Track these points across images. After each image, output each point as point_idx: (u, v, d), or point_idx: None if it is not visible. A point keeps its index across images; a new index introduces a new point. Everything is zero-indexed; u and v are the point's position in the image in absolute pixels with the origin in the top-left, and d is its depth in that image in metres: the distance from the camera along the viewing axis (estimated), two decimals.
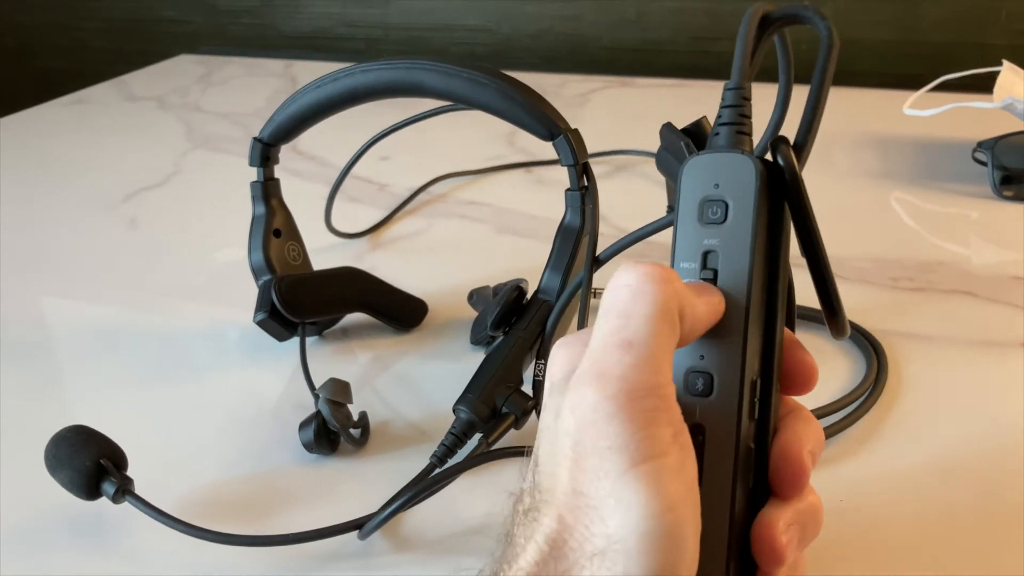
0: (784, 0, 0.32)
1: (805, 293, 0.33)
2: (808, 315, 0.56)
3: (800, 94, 0.37)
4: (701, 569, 0.26)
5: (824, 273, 0.30)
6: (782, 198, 0.30)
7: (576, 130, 0.50)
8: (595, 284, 0.41)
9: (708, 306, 0.28)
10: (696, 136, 0.35)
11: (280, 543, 0.41)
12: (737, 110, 0.31)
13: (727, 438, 0.29)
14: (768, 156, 0.30)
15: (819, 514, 0.31)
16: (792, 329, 0.31)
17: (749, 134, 0.31)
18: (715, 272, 0.29)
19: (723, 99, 0.31)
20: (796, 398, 0.32)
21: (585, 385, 0.25)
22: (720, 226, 0.29)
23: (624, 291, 0.27)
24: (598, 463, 0.25)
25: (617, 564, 0.24)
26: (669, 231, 0.36)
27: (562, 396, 0.27)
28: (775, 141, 0.30)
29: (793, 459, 0.29)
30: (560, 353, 0.29)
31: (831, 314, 0.31)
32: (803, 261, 0.31)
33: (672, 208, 0.38)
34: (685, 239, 0.30)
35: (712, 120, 0.35)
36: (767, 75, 0.34)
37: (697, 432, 0.29)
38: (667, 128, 0.36)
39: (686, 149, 0.34)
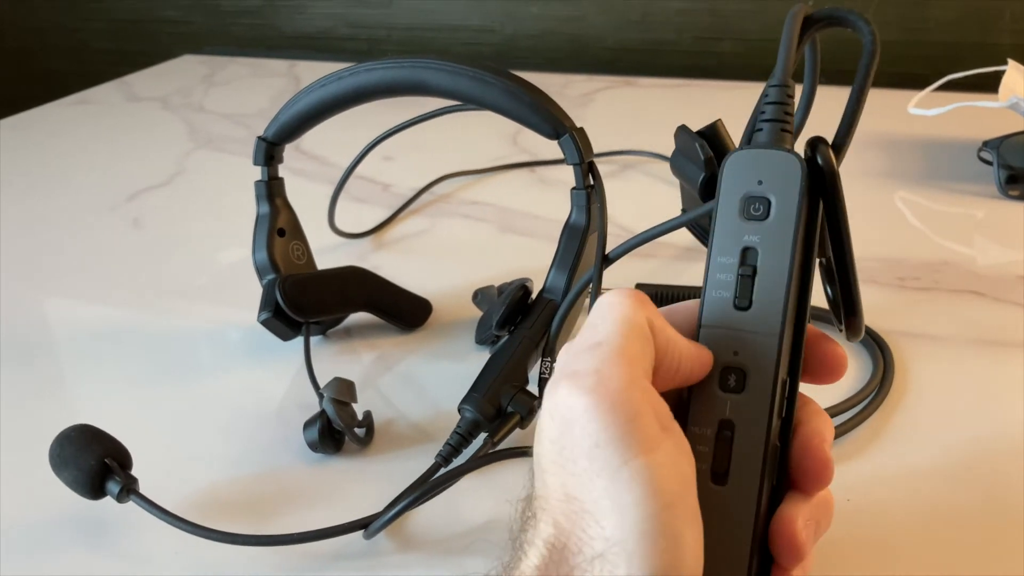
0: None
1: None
2: (813, 314, 0.56)
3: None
4: (722, 565, 0.26)
5: (850, 273, 0.31)
6: (817, 197, 0.30)
7: (581, 128, 0.50)
8: (604, 282, 0.41)
9: (695, 347, 0.29)
10: (711, 139, 0.35)
11: (284, 543, 0.41)
12: (782, 107, 0.31)
13: (758, 436, 0.29)
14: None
15: (831, 508, 0.31)
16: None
17: (791, 132, 0.31)
18: (754, 269, 0.29)
19: (766, 95, 0.31)
20: (804, 391, 0.32)
21: (559, 387, 0.26)
22: (762, 223, 0.30)
23: (596, 310, 0.28)
24: (587, 464, 0.24)
25: (619, 567, 0.23)
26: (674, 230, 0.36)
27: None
28: (814, 140, 0.30)
29: (818, 455, 0.29)
30: (562, 357, 0.29)
31: (851, 314, 0.31)
32: None
33: (685, 211, 0.38)
34: (724, 233, 0.30)
35: (707, 116, 0.35)
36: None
37: (725, 427, 0.29)
38: (682, 130, 0.36)
39: (700, 151, 0.34)
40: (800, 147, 0.31)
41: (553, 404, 0.26)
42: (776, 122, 0.31)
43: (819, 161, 0.30)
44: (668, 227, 0.35)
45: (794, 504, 0.29)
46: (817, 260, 0.31)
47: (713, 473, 0.29)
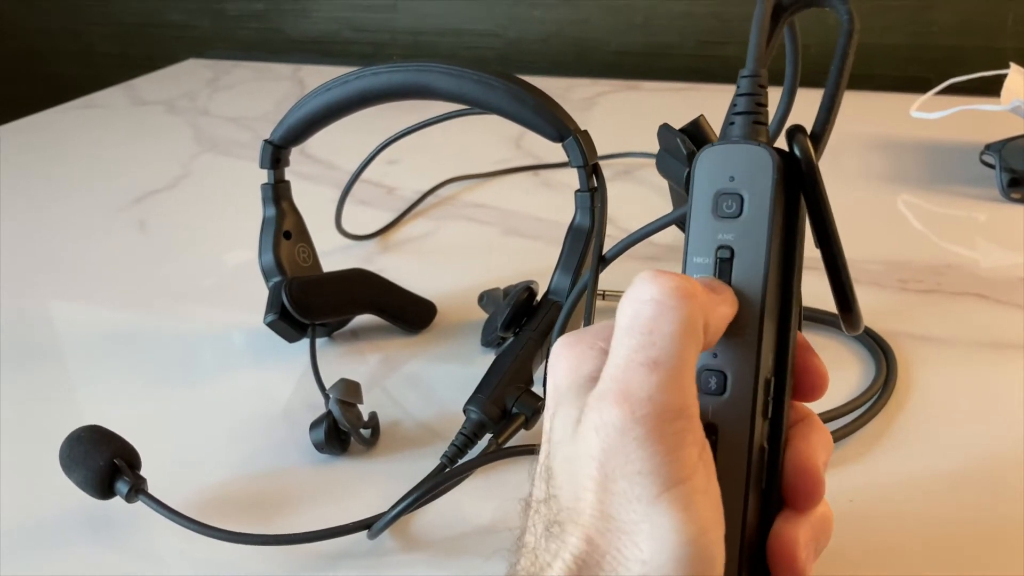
0: None
1: (813, 293, 0.32)
2: (816, 317, 0.56)
3: (804, 97, 0.37)
4: None
5: (839, 265, 0.30)
6: (798, 189, 0.29)
7: (586, 131, 0.50)
8: (601, 283, 0.41)
9: (725, 305, 0.28)
10: (694, 135, 0.35)
11: (290, 542, 0.41)
12: (753, 98, 0.30)
13: (741, 438, 0.28)
14: (782, 145, 0.30)
15: (831, 524, 0.30)
16: (799, 326, 0.31)
17: (766, 123, 0.30)
18: (730, 267, 0.29)
19: (738, 86, 0.30)
20: (806, 404, 0.31)
21: (611, 406, 0.25)
22: (735, 220, 0.29)
23: (649, 306, 0.26)
24: (627, 487, 0.24)
25: None
26: (671, 229, 0.36)
27: (578, 410, 0.26)
28: (791, 130, 0.29)
29: (811, 473, 0.29)
30: (564, 355, 0.28)
31: (846, 308, 0.30)
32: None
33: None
34: (698, 233, 0.29)
35: (709, 119, 0.35)
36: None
37: (710, 431, 0.28)
38: (665, 128, 0.36)
39: (683, 146, 0.34)
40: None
41: (600, 422, 0.25)
42: (748, 114, 0.29)
43: (796, 152, 0.29)
44: (662, 224, 0.34)
45: (793, 523, 0.29)
46: (808, 252, 0.30)
47: None
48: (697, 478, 0.25)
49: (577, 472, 0.26)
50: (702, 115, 0.34)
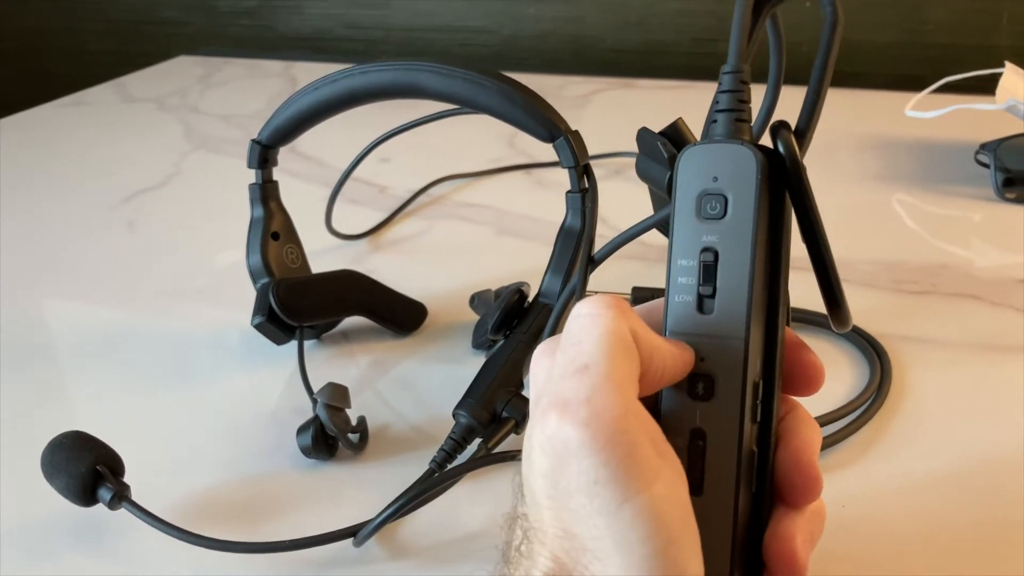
0: None
1: (806, 295, 0.32)
2: (808, 318, 0.56)
3: (794, 94, 0.36)
4: None
5: (826, 263, 0.29)
6: (783, 186, 0.29)
7: (576, 131, 0.50)
8: (592, 285, 0.41)
9: (676, 348, 0.28)
10: (673, 138, 0.34)
11: (275, 550, 0.41)
12: (736, 95, 0.29)
13: (730, 443, 0.28)
14: (767, 141, 0.29)
15: (824, 517, 0.30)
16: (788, 322, 0.30)
17: (749, 120, 0.29)
18: (714, 270, 0.28)
19: (720, 83, 0.29)
20: (797, 398, 0.31)
21: (549, 419, 0.24)
22: (719, 222, 0.28)
23: (575, 321, 0.27)
24: (586, 501, 0.24)
25: None
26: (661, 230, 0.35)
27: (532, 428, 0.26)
28: (775, 126, 0.29)
29: (807, 468, 0.29)
30: (543, 364, 0.28)
31: (834, 305, 0.30)
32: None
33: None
34: (683, 235, 0.29)
35: (688, 123, 0.35)
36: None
37: (697, 437, 0.28)
38: (644, 132, 0.35)
39: (663, 149, 0.33)
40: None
41: (544, 437, 0.24)
42: (730, 112, 0.29)
43: (780, 148, 0.28)
44: (651, 223, 0.34)
45: (790, 521, 0.28)
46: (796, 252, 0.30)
47: (688, 484, 0.28)
48: (659, 484, 0.24)
49: (536, 492, 0.25)
50: (680, 118, 0.34)
